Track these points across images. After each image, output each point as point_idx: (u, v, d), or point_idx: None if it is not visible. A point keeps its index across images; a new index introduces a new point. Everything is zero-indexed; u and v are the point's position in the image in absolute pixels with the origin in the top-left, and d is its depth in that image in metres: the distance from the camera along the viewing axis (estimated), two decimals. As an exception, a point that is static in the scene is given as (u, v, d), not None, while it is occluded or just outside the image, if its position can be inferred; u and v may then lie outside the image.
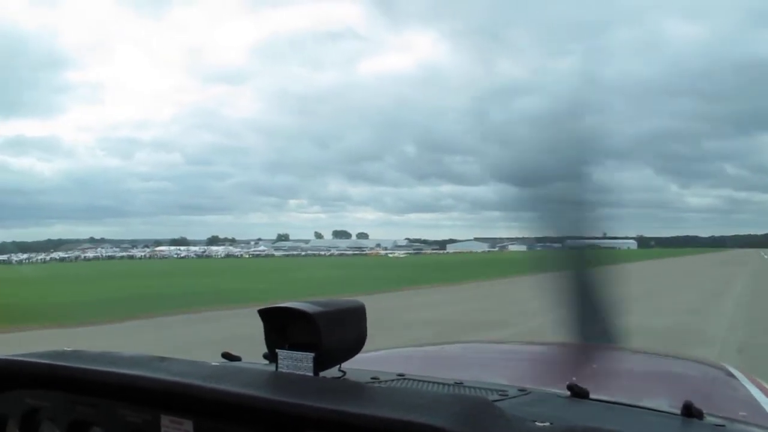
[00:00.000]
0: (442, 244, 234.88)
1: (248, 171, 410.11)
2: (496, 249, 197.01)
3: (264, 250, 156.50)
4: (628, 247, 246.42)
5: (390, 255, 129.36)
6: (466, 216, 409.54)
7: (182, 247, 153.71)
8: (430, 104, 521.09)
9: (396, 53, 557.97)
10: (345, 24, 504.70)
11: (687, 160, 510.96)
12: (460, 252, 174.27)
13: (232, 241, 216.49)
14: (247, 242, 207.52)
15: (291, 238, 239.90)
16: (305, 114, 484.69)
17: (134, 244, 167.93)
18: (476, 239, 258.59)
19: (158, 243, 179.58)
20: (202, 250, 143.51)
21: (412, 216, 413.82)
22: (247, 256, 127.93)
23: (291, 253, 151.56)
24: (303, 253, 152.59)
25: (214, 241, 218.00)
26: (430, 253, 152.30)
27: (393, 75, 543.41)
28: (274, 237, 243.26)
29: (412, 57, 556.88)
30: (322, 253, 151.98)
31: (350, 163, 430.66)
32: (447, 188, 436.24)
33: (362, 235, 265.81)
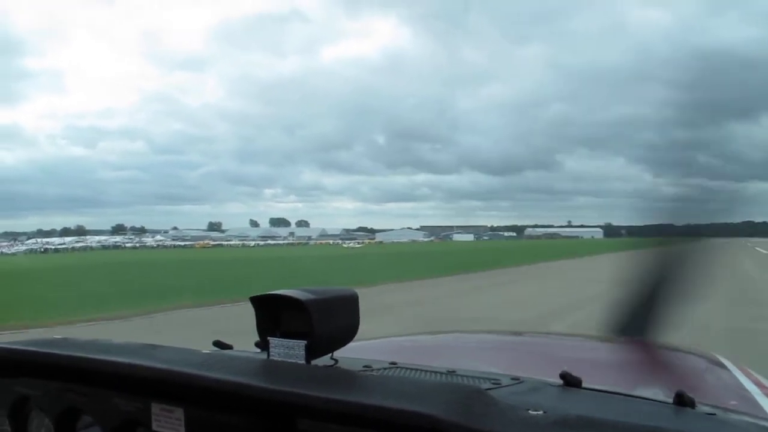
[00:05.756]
0: (372, 232, 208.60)
1: (218, 160, 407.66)
2: (432, 239, 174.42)
3: (161, 241, 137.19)
4: (593, 237, 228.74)
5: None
6: (444, 205, 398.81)
7: (62, 239, 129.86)
8: (395, 92, 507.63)
9: (357, 39, 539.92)
10: (299, 8, 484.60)
11: (657, 148, 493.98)
12: (383, 243, 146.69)
13: (141, 231, 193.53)
14: (158, 231, 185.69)
15: (249, 225, 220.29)
16: (271, 102, 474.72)
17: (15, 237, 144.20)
18: (422, 227, 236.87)
19: (66, 232, 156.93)
20: (61, 242, 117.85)
21: (391, 205, 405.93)
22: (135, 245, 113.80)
23: (189, 243, 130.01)
24: (211, 243, 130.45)
25: (118, 230, 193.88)
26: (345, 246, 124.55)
27: (356, 61, 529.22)
28: (248, 225, 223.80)
29: (374, 43, 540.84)
30: (230, 242, 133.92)
31: (320, 151, 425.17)
32: (421, 177, 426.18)
33: (302, 223, 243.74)
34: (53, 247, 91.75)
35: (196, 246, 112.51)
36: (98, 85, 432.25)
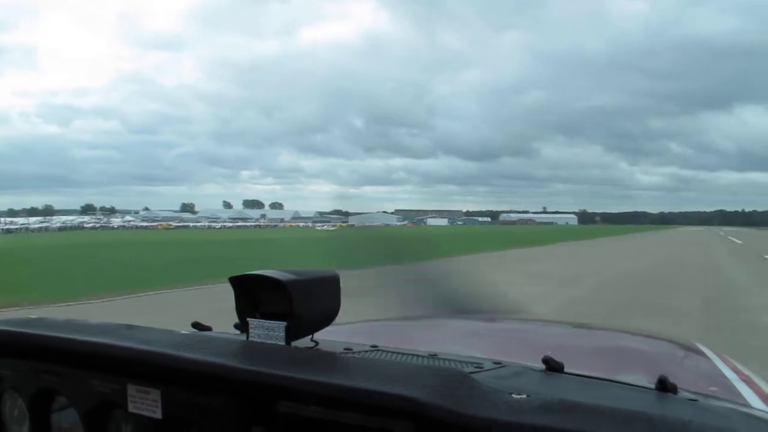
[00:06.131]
0: (346, 215, 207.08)
1: (195, 141, 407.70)
2: (405, 223, 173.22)
3: (129, 221, 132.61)
4: (567, 223, 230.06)
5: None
6: (421, 189, 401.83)
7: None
8: (373, 75, 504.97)
9: (335, 22, 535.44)
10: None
11: (633, 137, 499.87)
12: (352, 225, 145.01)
13: (111, 211, 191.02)
14: (128, 212, 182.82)
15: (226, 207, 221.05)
16: (249, 83, 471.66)
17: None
18: (396, 211, 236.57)
19: (34, 212, 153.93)
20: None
21: (368, 189, 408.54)
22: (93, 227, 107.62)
23: (152, 224, 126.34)
24: (173, 225, 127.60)
25: (87, 210, 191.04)
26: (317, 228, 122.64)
27: (334, 45, 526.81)
28: (222, 207, 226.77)
29: (353, 26, 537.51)
30: (196, 224, 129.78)
31: (298, 134, 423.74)
32: (398, 161, 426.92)
33: (276, 206, 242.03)
34: (6, 227, 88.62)
35: (159, 227, 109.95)
36: (73, 62, 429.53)
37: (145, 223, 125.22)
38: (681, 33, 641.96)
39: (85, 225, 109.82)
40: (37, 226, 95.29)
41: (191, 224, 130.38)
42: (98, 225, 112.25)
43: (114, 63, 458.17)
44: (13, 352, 1.17)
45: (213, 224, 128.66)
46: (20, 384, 1.19)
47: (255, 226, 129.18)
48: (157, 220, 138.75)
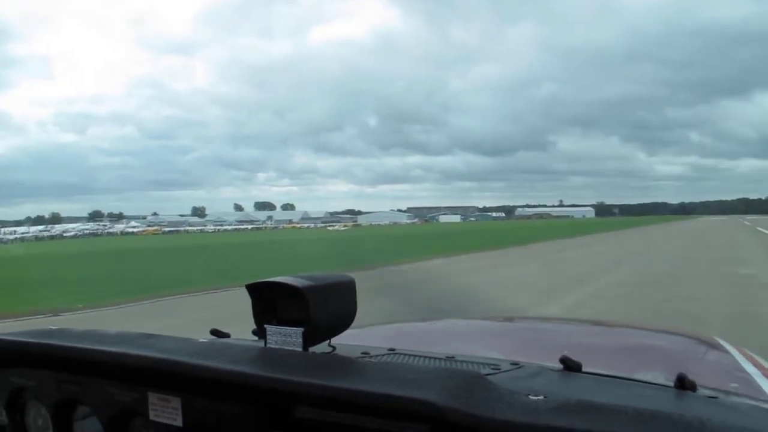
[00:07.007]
0: (358, 215, 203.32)
1: (210, 144, 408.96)
2: (415, 221, 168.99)
3: (136, 227, 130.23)
4: (584, 216, 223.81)
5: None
6: (439, 186, 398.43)
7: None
8: (386, 73, 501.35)
9: (346, 20, 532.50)
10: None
11: (651, 127, 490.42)
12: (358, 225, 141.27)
13: (119, 217, 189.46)
14: (137, 217, 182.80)
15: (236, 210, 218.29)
16: (261, 85, 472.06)
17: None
18: (409, 209, 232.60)
19: (40, 220, 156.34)
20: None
21: (385, 187, 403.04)
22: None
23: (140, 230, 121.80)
24: (162, 230, 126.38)
25: (95, 216, 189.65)
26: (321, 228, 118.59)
27: (345, 43, 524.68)
28: (235, 212, 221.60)
29: (363, 24, 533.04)
30: (187, 228, 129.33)
31: (312, 134, 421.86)
32: (414, 159, 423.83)
33: (288, 207, 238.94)
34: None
35: (143, 233, 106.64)
36: (87, 70, 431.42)
37: (135, 229, 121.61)
38: (696, 20, 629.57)
39: (66, 234, 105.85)
40: (14, 236, 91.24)
41: (189, 228, 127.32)
42: (81, 233, 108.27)
43: (129, 69, 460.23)
44: (36, 363, 1.18)
45: (208, 228, 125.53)
46: (42, 394, 1.20)
47: (255, 229, 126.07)
48: (164, 225, 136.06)
